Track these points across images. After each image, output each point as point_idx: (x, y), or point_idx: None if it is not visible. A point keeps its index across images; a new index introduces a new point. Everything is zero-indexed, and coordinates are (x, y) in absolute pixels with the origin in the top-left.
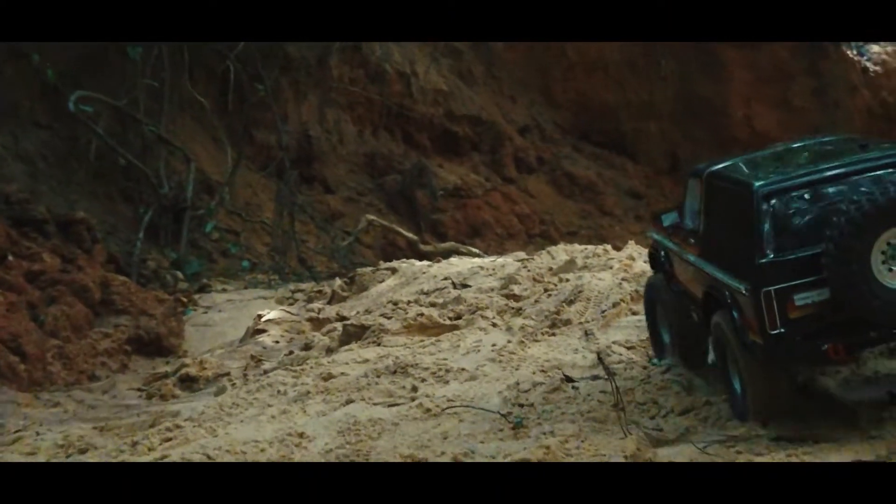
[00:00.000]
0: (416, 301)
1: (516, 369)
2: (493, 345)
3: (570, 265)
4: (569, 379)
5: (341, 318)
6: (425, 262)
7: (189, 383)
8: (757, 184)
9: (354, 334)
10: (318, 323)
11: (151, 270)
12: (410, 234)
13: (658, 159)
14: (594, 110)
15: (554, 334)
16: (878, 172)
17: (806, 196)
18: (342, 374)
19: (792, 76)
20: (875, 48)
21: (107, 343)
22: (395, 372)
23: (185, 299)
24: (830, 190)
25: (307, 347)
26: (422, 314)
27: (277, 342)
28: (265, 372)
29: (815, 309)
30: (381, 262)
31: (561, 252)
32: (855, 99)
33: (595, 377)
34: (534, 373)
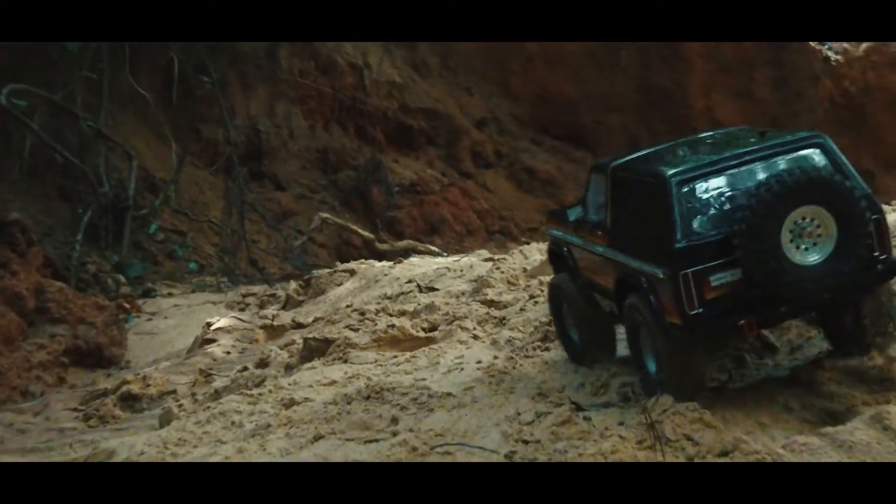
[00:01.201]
0: (384, 309)
1: (511, 393)
2: (479, 362)
3: (545, 266)
4: (579, 408)
5: (297, 325)
6: (385, 263)
7: (131, 402)
8: (669, 172)
9: (317, 349)
10: (272, 330)
11: (91, 275)
12: (366, 233)
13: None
14: (553, 103)
15: (548, 348)
16: (781, 157)
17: (715, 181)
18: (306, 399)
19: (753, 66)
20: None
21: (42, 355)
22: (368, 397)
23: (127, 305)
24: (738, 175)
25: (263, 364)
26: (393, 325)
27: (229, 353)
28: (216, 392)
29: (729, 288)
30: (338, 264)
31: (534, 251)
32: (817, 89)
33: (607, 404)
34: (533, 398)
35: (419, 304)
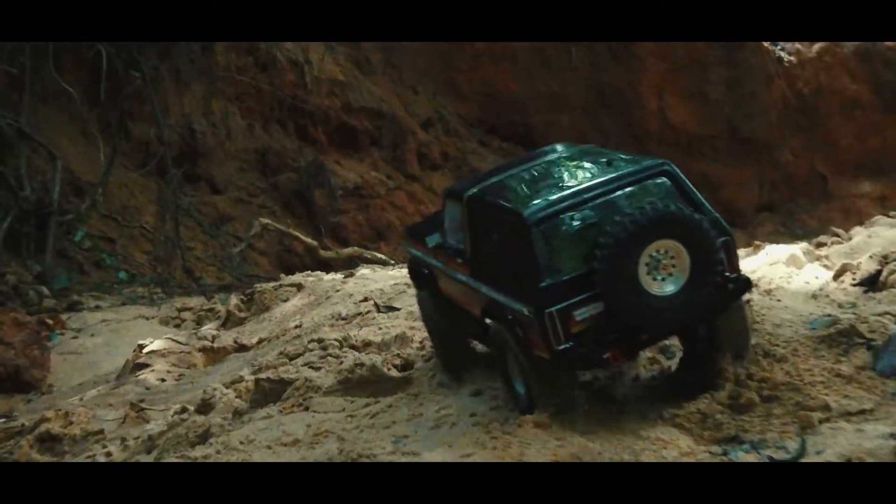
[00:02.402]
0: (346, 340)
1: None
2: (472, 414)
3: None
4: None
5: (240, 347)
6: (336, 277)
7: (51, 444)
8: (527, 212)
9: (271, 392)
10: (211, 353)
11: (11, 286)
12: (309, 239)
13: None
14: (501, 102)
15: None
16: (633, 189)
17: (572, 216)
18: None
19: (706, 66)
20: None
21: None
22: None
23: (50, 321)
24: (594, 208)
25: (206, 407)
26: (361, 364)
27: (163, 380)
28: (150, 439)
29: (593, 321)
30: (283, 276)
31: None
32: (771, 90)
33: None
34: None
35: (386, 333)
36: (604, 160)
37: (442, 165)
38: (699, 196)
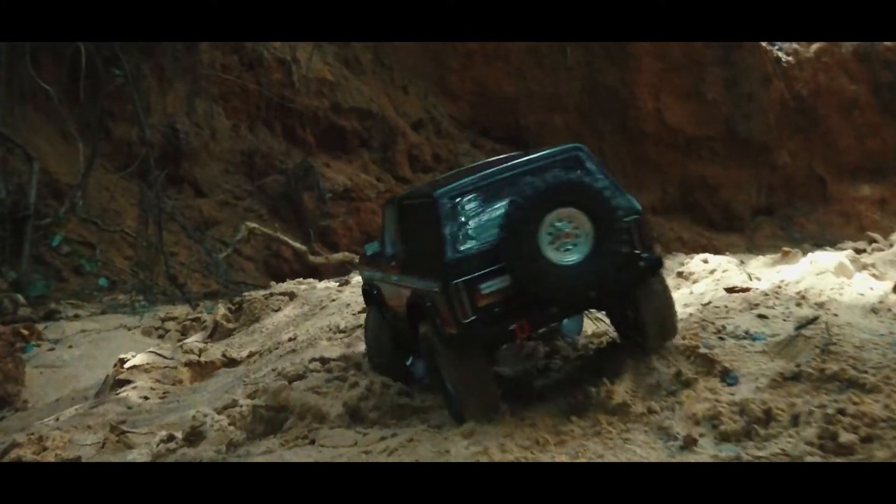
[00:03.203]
0: (347, 357)
1: None
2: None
3: None
4: None
5: (229, 361)
6: (330, 285)
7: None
8: (437, 191)
9: (270, 421)
10: (198, 368)
11: None
12: (297, 244)
13: None
14: (494, 102)
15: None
16: (541, 169)
17: (481, 196)
18: None
19: (704, 66)
20: None
21: None
22: None
23: (25, 331)
24: (501, 188)
25: (195, 436)
26: (373, 389)
27: (146, 398)
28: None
29: (500, 295)
30: (272, 283)
31: None
32: (769, 91)
33: None
34: None
35: None
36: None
37: (433, 167)
38: (610, 177)
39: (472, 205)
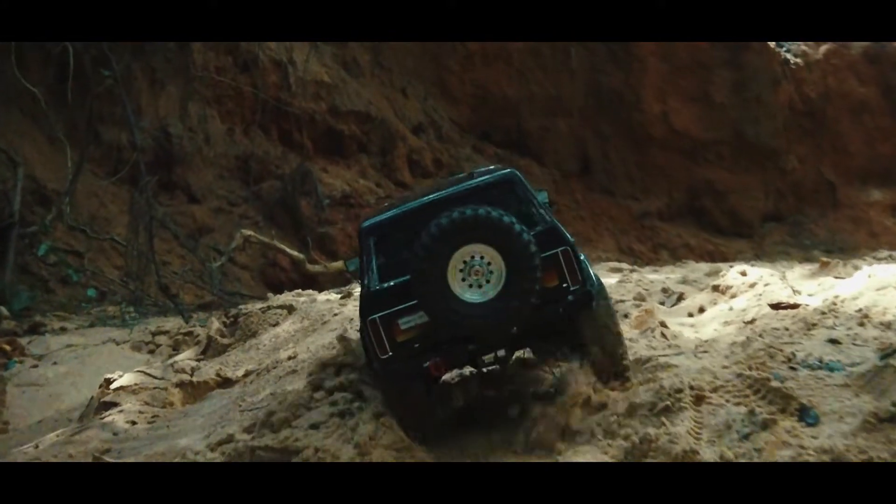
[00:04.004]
0: (352, 384)
1: None
2: None
3: None
4: None
5: (224, 381)
6: (332, 297)
7: None
8: (364, 223)
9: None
10: (191, 389)
11: None
12: (295, 252)
13: (567, 160)
14: (495, 105)
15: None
16: (470, 200)
17: (406, 228)
18: None
19: (710, 68)
20: None
21: None
22: None
23: (7, 347)
24: (426, 220)
25: None
26: (385, 427)
27: (134, 423)
28: None
29: (418, 331)
30: (270, 295)
31: None
32: (777, 94)
33: None
34: None
35: None
36: (472, 173)
37: (434, 173)
38: (539, 205)
39: (394, 235)
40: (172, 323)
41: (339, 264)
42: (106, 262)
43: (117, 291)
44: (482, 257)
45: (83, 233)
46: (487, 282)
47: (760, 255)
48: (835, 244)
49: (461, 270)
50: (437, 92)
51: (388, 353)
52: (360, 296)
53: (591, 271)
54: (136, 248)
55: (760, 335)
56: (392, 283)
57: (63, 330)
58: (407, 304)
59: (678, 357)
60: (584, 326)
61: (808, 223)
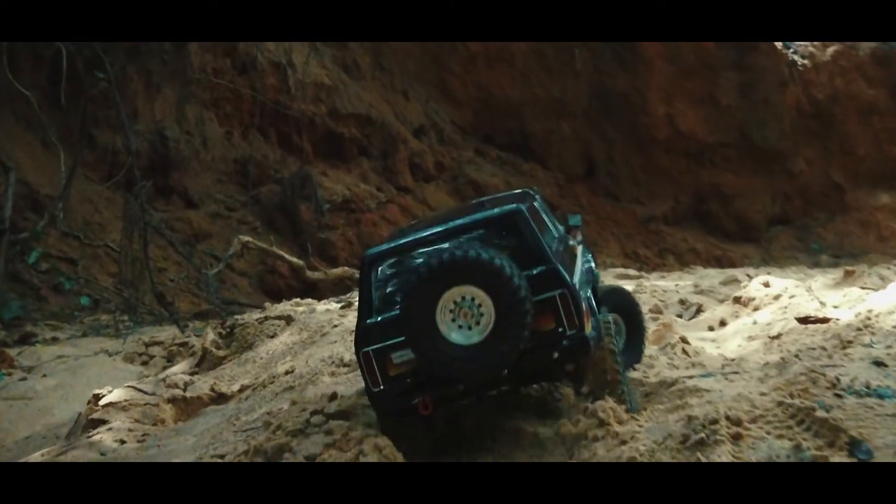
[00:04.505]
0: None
1: None
2: None
3: None
4: None
5: (218, 396)
6: (332, 307)
7: None
8: (367, 252)
9: None
10: (183, 405)
11: None
12: (294, 258)
13: (571, 163)
14: (498, 108)
15: None
16: (479, 234)
17: (405, 260)
18: None
19: (717, 70)
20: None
21: None
22: None
23: None
24: (418, 255)
25: None
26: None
27: (123, 441)
28: None
29: (410, 366)
30: (269, 304)
31: None
32: (784, 96)
33: None
34: None
35: None
36: (479, 203)
37: (436, 176)
38: (542, 244)
39: (393, 267)
40: (167, 333)
41: (339, 270)
42: (100, 269)
43: (111, 300)
44: (473, 299)
45: (77, 239)
46: (477, 324)
47: (768, 259)
48: (843, 248)
49: (451, 311)
50: (439, 94)
51: (380, 386)
52: (356, 326)
53: (596, 311)
54: (130, 254)
55: (797, 356)
56: (387, 316)
57: (55, 340)
58: (400, 339)
59: (706, 380)
60: (590, 365)
61: (815, 227)
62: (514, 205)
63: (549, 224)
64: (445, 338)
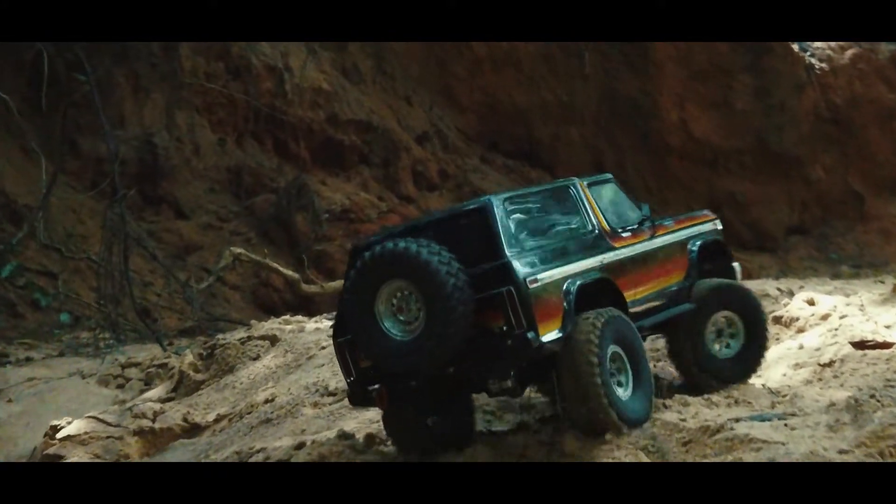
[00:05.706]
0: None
1: None
2: None
3: None
4: None
5: (191, 427)
6: (322, 325)
7: None
8: (354, 244)
9: None
10: (151, 438)
11: None
12: (289, 272)
13: (580, 171)
14: (504, 114)
15: None
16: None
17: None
18: None
19: (731, 73)
20: (818, 42)
21: None
22: None
23: None
24: None
25: None
26: None
27: None
28: None
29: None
30: (254, 323)
31: None
32: (801, 100)
33: None
34: None
35: None
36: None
37: (440, 185)
38: (502, 239)
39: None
40: (148, 352)
41: (336, 284)
42: (82, 283)
43: (92, 316)
44: (409, 294)
45: (58, 252)
46: (416, 319)
47: (786, 270)
48: (863, 258)
49: (392, 304)
50: (443, 99)
51: (351, 376)
52: (335, 317)
53: (572, 312)
54: (111, 267)
55: (872, 396)
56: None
57: (28, 360)
58: None
59: (759, 425)
60: (561, 368)
61: (834, 236)
62: (486, 198)
63: (600, 211)
64: (386, 332)
